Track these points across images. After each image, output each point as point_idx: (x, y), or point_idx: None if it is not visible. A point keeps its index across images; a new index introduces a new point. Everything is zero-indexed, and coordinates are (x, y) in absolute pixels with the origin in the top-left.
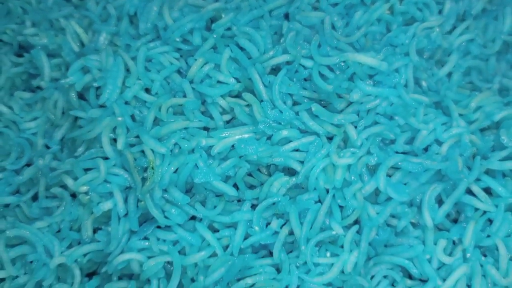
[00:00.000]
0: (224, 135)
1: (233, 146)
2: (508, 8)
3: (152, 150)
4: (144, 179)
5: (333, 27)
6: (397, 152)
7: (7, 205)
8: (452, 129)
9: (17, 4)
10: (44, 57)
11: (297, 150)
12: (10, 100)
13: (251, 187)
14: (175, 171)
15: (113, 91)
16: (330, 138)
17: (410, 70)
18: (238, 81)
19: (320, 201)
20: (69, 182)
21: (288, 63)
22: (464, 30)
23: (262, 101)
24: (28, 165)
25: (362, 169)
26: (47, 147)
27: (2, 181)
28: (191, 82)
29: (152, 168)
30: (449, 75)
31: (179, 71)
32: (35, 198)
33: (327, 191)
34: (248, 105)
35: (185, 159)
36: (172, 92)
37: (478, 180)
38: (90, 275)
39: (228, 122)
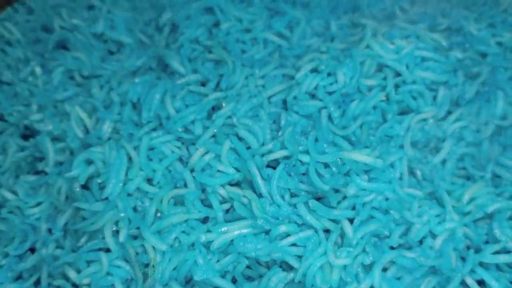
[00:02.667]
0: (223, 229)
1: (232, 240)
2: (500, 91)
3: (153, 247)
4: (145, 274)
5: (330, 117)
6: (392, 247)
7: None
8: (446, 223)
9: (24, 87)
10: (49, 143)
11: (294, 245)
12: (15, 183)
13: (249, 278)
14: (175, 268)
15: (116, 185)
16: (327, 231)
17: (404, 163)
18: (237, 170)
19: None
20: (72, 275)
21: (286, 157)
22: (458, 116)
23: (260, 194)
24: (31, 249)
25: (358, 269)
26: (50, 231)
27: (5, 267)
28: (192, 171)
29: (153, 266)
30: (443, 161)
31: (180, 159)
32: (37, 283)
33: None
34: (246, 197)
35: (185, 255)
36: (173, 181)
37: (472, 271)
38: None
39: (227, 210)
